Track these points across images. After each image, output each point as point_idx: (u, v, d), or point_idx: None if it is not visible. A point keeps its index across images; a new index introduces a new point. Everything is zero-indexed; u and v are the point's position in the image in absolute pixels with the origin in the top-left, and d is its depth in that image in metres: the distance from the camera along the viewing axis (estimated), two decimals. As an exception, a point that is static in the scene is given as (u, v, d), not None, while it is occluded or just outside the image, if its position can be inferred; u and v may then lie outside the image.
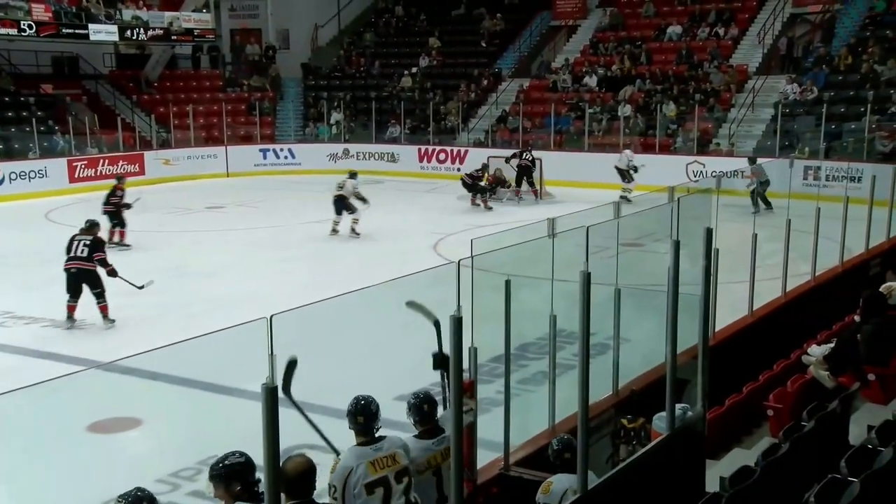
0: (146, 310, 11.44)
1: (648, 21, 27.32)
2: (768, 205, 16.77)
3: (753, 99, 22.95)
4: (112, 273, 11.17)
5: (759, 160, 18.62)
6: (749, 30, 25.66)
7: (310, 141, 27.57)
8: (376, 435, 4.37)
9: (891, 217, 11.44)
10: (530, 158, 20.53)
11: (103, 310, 10.96)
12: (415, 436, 4.66)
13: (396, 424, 4.81)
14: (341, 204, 16.27)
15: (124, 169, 23.53)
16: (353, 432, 4.43)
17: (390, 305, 9.14)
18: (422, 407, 4.64)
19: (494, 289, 5.02)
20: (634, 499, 4.67)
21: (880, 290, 7.33)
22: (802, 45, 24.55)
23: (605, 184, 20.23)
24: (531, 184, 20.42)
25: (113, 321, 11.01)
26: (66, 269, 10.95)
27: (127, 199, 15.85)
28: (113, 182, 16.85)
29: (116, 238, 15.63)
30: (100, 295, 11.00)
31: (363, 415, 4.33)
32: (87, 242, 11.12)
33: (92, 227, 11.61)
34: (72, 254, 11.01)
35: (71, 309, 10.91)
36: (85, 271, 10.94)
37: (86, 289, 10.98)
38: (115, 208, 15.70)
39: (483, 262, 4.54)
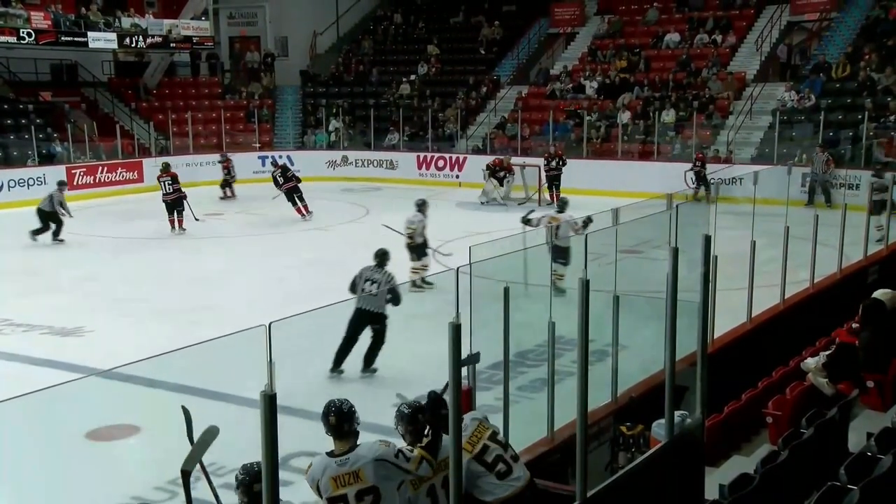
0: (144, 316, 11.44)
1: (647, 28, 27.38)
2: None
3: (751, 106, 22.99)
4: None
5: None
6: (747, 37, 25.72)
7: (308, 148, 27.59)
8: (354, 438, 4.19)
9: (888, 224, 11.46)
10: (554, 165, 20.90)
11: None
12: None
13: (393, 432, 4.79)
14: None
15: (123, 176, 23.57)
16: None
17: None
18: (416, 417, 4.45)
19: (493, 296, 5.03)
20: (633, 506, 4.66)
21: (876, 295, 7.31)
22: (799, 52, 24.59)
23: (604, 191, 20.25)
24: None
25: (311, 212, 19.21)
26: None
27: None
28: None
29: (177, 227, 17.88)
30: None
31: (335, 414, 4.14)
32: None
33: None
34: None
35: None
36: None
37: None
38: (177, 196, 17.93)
39: (482, 269, 4.54)
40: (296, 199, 19.23)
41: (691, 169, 20.68)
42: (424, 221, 12.85)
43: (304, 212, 19.23)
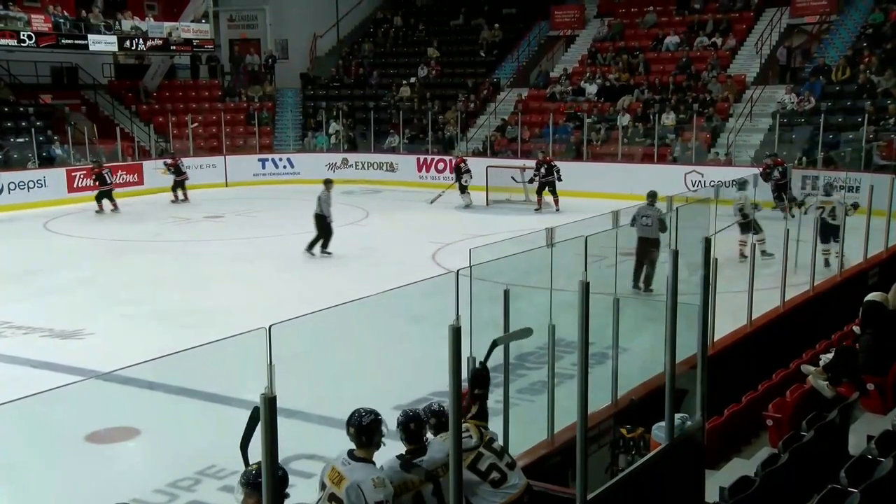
0: (144, 319, 11.44)
1: (646, 31, 27.41)
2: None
3: (751, 109, 23.01)
4: None
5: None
6: (746, 40, 25.75)
7: (308, 150, 27.61)
8: (374, 448, 4.21)
9: (889, 227, 11.46)
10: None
11: None
12: (397, 456, 4.44)
13: (393, 434, 4.78)
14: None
15: (123, 178, 23.60)
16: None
17: (389, 315, 9.15)
18: (408, 425, 4.41)
19: (493, 298, 5.02)
20: (634, 509, 4.66)
21: (876, 298, 7.31)
22: (799, 54, 24.61)
23: (604, 193, 20.26)
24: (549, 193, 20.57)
25: None
26: None
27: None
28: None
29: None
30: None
31: (353, 426, 4.19)
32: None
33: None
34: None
35: None
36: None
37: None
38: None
39: (482, 271, 4.54)
40: (185, 186, 22.64)
41: (769, 180, 17.80)
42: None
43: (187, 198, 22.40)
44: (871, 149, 19.60)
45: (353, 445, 4.21)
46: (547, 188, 20.42)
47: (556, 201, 20.28)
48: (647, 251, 11.80)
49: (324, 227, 15.37)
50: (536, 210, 20.43)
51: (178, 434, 7.59)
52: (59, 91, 27.08)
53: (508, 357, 5.29)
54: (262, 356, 3.08)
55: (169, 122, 26.67)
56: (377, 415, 4.24)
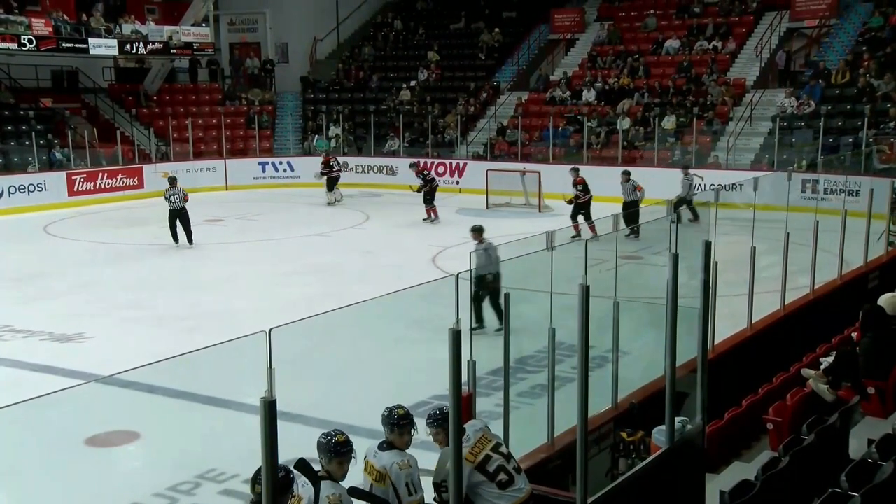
0: (144, 323, 11.44)
1: (646, 35, 27.45)
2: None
3: (751, 112, 23.03)
4: None
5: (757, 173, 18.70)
6: (746, 44, 25.78)
7: (309, 154, 27.63)
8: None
9: (888, 230, 11.46)
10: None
11: None
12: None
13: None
14: None
15: (123, 182, 23.61)
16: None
17: (389, 318, 9.16)
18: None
19: (493, 302, 5.02)
20: (634, 513, 4.65)
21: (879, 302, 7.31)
22: (800, 59, 24.63)
23: (604, 196, 20.24)
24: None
25: None
26: None
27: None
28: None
29: None
30: None
31: (322, 450, 4.32)
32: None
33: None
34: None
35: None
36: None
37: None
38: None
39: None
40: None
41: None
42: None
43: None
44: (871, 152, 19.62)
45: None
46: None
47: (429, 212, 19.75)
48: None
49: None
50: (425, 220, 19.73)
51: (178, 437, 7.59)
52: (60, 95, 27.10)
53: (509, 360, 5.29)
54: (262, 360, 3.08)
55: (169, 126, 26.69)
56: (349, 439, 4.30)
